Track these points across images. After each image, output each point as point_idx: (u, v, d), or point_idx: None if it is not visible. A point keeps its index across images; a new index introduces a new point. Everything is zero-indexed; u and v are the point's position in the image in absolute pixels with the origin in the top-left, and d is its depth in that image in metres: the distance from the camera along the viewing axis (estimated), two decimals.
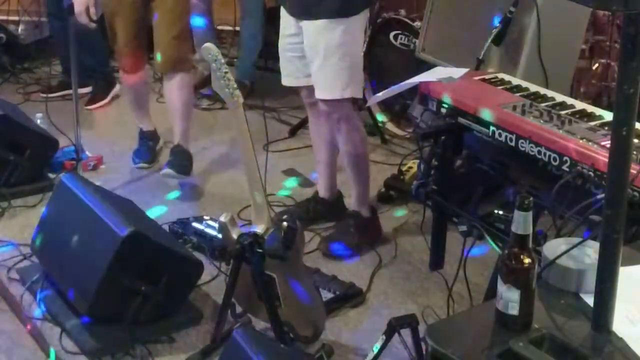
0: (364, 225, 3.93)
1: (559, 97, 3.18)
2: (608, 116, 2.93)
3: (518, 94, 3.20)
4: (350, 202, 4.02)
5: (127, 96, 4.75)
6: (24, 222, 4.02)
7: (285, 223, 2.98)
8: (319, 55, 3.63)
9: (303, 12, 3.65)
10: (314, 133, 4.08)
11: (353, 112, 3.87)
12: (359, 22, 3.66)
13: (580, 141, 2.74)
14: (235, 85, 2.95)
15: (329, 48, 3.60)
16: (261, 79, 5.90)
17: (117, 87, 5.59)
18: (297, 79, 3.84)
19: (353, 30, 3.63)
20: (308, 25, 3.64)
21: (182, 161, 4.40)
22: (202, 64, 5.38)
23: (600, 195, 2.50)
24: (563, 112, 2.99)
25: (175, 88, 4.41)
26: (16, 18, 6.24)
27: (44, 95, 5.40)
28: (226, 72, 2.94)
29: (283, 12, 3.78)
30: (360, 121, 4.05)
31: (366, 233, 3.93)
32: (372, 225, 3.98)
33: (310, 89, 3.84)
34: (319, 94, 3.71)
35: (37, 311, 3.35)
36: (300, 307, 3.09)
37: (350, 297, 3.53)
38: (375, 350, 2.84)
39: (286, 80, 3.89)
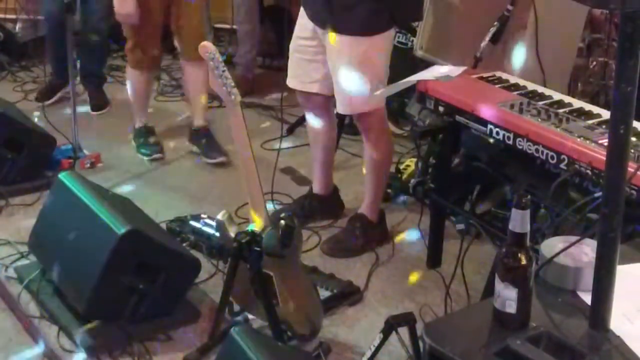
0: (371, 229, 3.93)
1: (557, 96, 3.19)
2: (606, 114, 2.93)
3: (516, 92, 3.20)
4: (359, 203, 4.02)
5: (137, 92, 4.78)
6: (21, 220, 4.01)
7: (283, 221, 2.98)
8: (339, 70, 3.60)
9: (328, 24, 3.59)
10: (312, 135, 4.08)
11: (383, 121, 3.85)
12: (383, 41, 3.60)
13: (578, 139, 2.75)
14: (233, 84, 2.95)
15: (350, 64, 3.56)
16: (259, 76, 5.90)
17: None
18: (302, 82, 3.82)
19: (376, 49, 3.58)
20: (331, 38, 3.61)
21: (214, 145, 4.71)
22: None
23: (598, 194, 2.51)
24: (561, 111, 3.00)
25: (202, 72, 4.46)
26: (13, 16, 6.22)
27: (41, 103, 5.31)
28: (224, 71, 2.93)
29: (302, 13, 3.74)
30: (390, 131, 4.04)
31: (372, 237, 3.92)
32: (379, 230, 3.98)
33: (311, 95, 3.84)
34: (338, 108, 3.72)
35: (35, 309, 3.34)
36: (298, 305, 3.09)
37: (347, 295, 3.53)
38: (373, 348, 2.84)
39: (291, 82, 3.87)
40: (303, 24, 3.74)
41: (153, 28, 4.52)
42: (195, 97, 4.79)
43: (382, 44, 3.60)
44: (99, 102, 5.43)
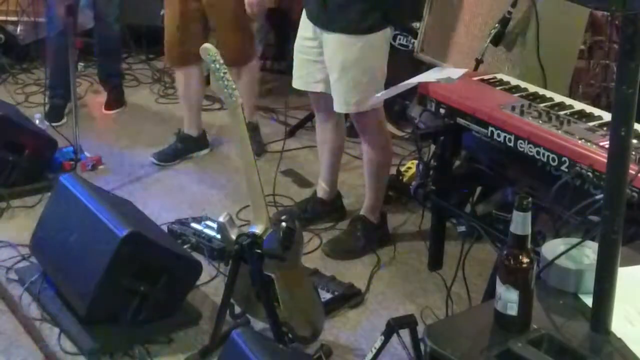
0: (372, 231, 3.93)
1: (558, 98, 3.18)
2: (607, 116, 2.93)
3: (517, 95, 3.20)
4: (361, 206, 4.02)
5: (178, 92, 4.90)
6: (22, 222, 4.01)
7: (284, 223, 2.98)
8: (336, 69, 3.63)
9: (323, 23, 3.63)
10: (320, 136, 4.08)
11: (381, 122, 3.87)
12: (380, 39, 3.62)
13: (579, 141, 2.74)
14: (234, 86, 2.95)
15: (347, 63, 3.59)
16: (260, 79, 5.90)
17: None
18: (307, 83, 3.84)
19: (372, 47, 3.60)
20: (328, 37, 3.63)
21: (256, 143, 4.63)
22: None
23: (599, 196, 2.50)
24: (562, 113, 2.99)
25: (238, 78, 4.62)
26: (15, 18, 6.22)
27: (50, 123, 5.12)
28: (225, 73, 2.93)
29: (304, 13, 3.76)
30: (389, 133, 4.05)
31: (373, 239, 3.93)
32: (380, 231, 3.98)
33: (318, 95, 3.85)
34: (335, 106, 3.73)
35: (36, 311, 3.34)
36: (299, 308, 3.09)
37: (349, 297, 3.53)
38: (374, 350, 2.84)
39: (296, 83, 3.89)
40: (305, 24, 3.76)
41: (174, 25, 4.54)
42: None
43: (377, 42, 3.61)
44: (114, 102, 5.50)
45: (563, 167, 2.74)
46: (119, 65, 5.59)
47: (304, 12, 3.76)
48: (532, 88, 3.29)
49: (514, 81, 3.38)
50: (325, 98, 3.82)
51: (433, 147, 3.41)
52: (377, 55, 3.64)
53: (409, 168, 4.41)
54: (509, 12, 4.02)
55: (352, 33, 3.56)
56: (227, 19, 4.51)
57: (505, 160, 3.09)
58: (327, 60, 3.67)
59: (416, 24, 4.75)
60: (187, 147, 4.82)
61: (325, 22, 3.61)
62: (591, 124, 2.90)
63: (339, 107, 3.72)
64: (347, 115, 4.03)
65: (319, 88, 3.80)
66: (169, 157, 4.75)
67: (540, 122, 2.91)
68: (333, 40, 3.60)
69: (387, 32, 3.65)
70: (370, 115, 3.73)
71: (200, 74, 4.75)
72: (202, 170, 4.70)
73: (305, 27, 3.76)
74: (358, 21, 3.54)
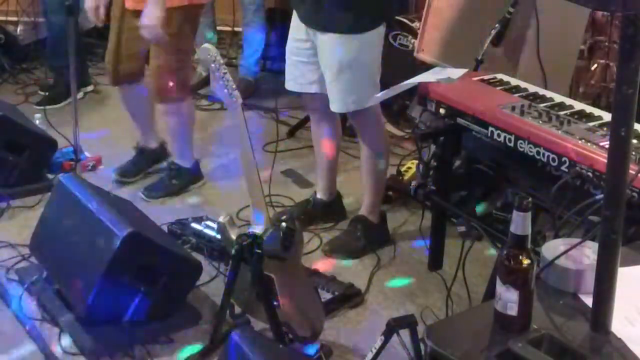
0: (372, 231, 3.93)
1: (558, 98, 3.18)
2: (607, 117, 2.93)
3: (517, 95, 3.20)
4: (360, 206, 4.01)
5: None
6: (22, 222, 4.01)
7: (284, 224, 2.98)
8: (332, 69, 3.62)
9: (317, 24, 3.62)
10: (315, 137, 4.07)
11: (378, 119, 3.87)
12: (374, 38, 3.62)
13: (579, 142, 2.75)
14: (234, 86, 2.95)
15: (344, 63, 3.58)
16: (261, 79, 5.90)
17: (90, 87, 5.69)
18: (300, 84, 3.83)
19: (367, 46, 3.60)
20: (322, 38, 3.62)
21: (160, 184, 4.42)
22: (201, 64, 5.39)
23: (599, 196, 2.50)
24: (562, 113, 3.00)
25: (164, 114, 4.36)
26: (15, 19, 6.23)
27: (42, 107, 5.27)
28: (225, 73, 2.93)
29: (295, 15, 3.76)
30: (386, 130, 4.04)
31: (373, 239, 3.92)
32: (380, 231, 3.98)
33: (312, 96, 3.84)
34: (332, 106, 3.72)
35: (36, 311, 3.34)
36: (299, 308, 3.09)
37: (349, 297, 3.53)
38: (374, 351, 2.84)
39: (289, 85, 3.88)
40: (296, 26, 3.75)
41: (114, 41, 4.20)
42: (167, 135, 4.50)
43: (372, 40, 3.62)
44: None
45: (563, 167, 2.75)
46: (59, 61, 5.24)
47: (294, 14, 3.76)
48: (532, 88, 3.29)
49: (514, 81, 3.38)
50: (319, 98, 3.82)
51: (433, 147, 3.42)
52: (373, 52, 3.64)
53: (409, 168, 4.41)
54: (509, 12, 4.02)
55: (348, 33, 3.55)
56: (156, 49, 4.08)
57: (505, 160, 3.10)
58: (323, 61, 3.66)
59: (416, 24, 4.75)
60: (148, 160, 4.62)
61: (320, 23, 3.60)
62: (591, 124, 2.91)
63: (336, 106, 3.71)
64: (345, 117, 4.03)
65: (313, 89, 3.80)
66: (134, 173, 4.59)
67: (540, 122, 2.92)
68: (328, 41, 3.60)
69: (381, 29, 3.65)
70: (367, 113, 3.72)
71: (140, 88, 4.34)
72: (202, 170, 4.69)
73: (297, 29, 3.75)
74: (354, 20, 3.53)
